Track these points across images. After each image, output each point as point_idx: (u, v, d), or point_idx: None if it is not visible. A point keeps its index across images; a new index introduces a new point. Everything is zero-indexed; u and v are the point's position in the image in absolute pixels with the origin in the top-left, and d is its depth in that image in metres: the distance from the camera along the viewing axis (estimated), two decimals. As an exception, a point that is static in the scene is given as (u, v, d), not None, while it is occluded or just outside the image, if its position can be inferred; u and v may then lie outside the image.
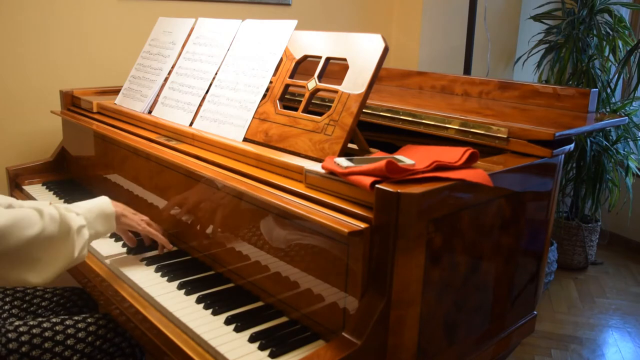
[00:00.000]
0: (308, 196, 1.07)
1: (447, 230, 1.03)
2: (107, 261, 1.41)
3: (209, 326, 1.12)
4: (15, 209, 1.12)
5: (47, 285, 1.30)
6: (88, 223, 1.24)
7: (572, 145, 1.30)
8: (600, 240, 3.38)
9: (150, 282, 1.29)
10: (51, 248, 1.14)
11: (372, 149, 1.29)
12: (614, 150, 3.06)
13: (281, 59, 1.39)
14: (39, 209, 1.13)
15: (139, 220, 1.41)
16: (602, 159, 3.05)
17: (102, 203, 1.32)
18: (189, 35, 1.72)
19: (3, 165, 2.10)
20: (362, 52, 1.22)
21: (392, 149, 1.32)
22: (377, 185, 0.94)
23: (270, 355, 1.02)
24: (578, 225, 3.21)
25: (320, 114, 1.23)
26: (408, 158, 1.05)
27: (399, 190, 0.92)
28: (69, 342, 1.34)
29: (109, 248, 1.47)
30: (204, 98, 1.53)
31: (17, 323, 1.35)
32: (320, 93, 1.31)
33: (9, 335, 1.31)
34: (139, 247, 1.46)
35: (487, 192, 1.10)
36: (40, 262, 1.12)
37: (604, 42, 3.07)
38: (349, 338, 0.95)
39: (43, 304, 1.54)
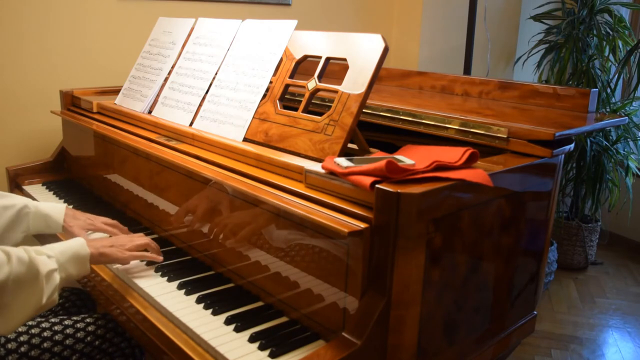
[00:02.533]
0: (308, 196, 1.07)
1: (447, 230, 1.03)
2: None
3: (209, 326, 1.12)
4: None
5: (9, 334, 1.26)
6: (60, 265, 1.16)
7: (572, 145, 1.30)
8: (600, 240, 3.37)
9: (150, 282, 1.29)
10: (19, 293, 1.06)
11: (372, 149, 1.29)
12: (614, 150, 3.06)
13: (281, 59, 1.39)
14: (7, 252, 1.06)
15: (120, 252, 1.31)
16: (602, 159, 3.05)
17: (77, 245, 1.23)
18: (189, 35, 1.72)
19: (3, 165, 2.10)
20: (362, 52, 1.22)
21: (392, 149, 1.32)
22: (377, 185, 0.94)
23: (270, 355, 1.02)
24: (578, 225, 3.20)
25: (320, 114, 1.23)
26: (408, 158, 1.05)
27: (399, 190, 0.92)
28: (67, 342, 1.34)
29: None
30: (204, 98, 1.53)
31: (16, 323, 1.35)
32: (320, 93, 1.31)
33: (8, 335, 1.31)
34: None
35: (487, 192, 1.10)
36: (6, 309, 1.05)
37: (604, 42, 3.06)
38: (349, 338, 0.95)
39: (42, 304, 1.54)
